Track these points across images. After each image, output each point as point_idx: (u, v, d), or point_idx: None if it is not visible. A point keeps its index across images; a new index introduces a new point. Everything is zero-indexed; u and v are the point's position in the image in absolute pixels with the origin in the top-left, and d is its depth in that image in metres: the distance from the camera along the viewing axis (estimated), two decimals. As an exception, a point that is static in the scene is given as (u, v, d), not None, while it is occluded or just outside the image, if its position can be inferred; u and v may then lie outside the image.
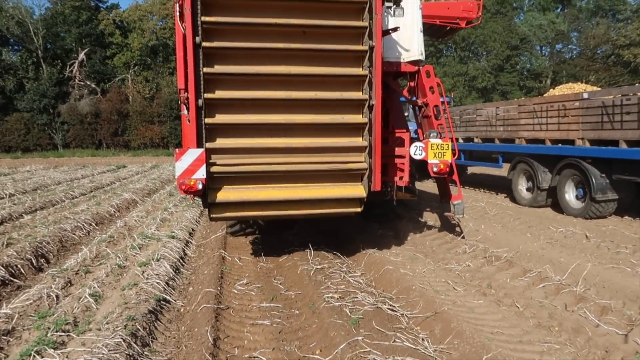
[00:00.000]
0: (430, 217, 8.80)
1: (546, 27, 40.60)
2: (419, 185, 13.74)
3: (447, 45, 42.24)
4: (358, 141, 5.39)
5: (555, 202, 9.48)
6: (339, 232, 7.84)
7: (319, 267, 5.77)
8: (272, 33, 5.06)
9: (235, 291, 5.21)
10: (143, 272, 5.51)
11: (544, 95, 11.41)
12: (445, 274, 5.65)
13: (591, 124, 8.55)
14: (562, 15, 42.83)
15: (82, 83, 38.18)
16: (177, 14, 5.06)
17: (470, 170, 17.29)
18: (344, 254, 6.64)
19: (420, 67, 6.97)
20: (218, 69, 5.03)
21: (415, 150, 6.37)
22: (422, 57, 6.94)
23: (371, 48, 5.11)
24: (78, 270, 5.79)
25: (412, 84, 7.14)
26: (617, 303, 4.54)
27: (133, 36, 40.09)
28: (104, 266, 5.86)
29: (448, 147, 6.42)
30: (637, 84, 10.74)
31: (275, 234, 7.68)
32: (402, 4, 6.35)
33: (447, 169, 6.46)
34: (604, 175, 8.39)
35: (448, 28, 11.63)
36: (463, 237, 7.20)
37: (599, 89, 9.61)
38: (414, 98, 7.32)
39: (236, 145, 5.22)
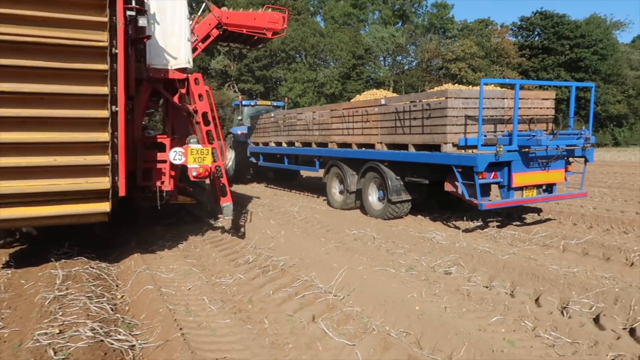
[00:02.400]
0: (230, 224, 8.35)
1: (387, 39, 43.80)
2: (244, 190, 13.45)
3: (298, 52, 43.17)
4: (102, 136, 5.07)
5: (362, 205, 9.75)
6: (120, 246, 6.99)
7: (62, 293, 4.89)
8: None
9: None
10: None
11: (351, 100, 11.81)
12: (211, 289, 5.19)
13: (387, 129, 8.91)
14: (401, 30, 46.63)
15: None
16: None
17: (306, 174, 17.51)
18: (114, 272, 5.87)
19: (189, 75, 6.96)
20: None
21: (175, 156, 6.15)
22: (190, 65, 6.96)
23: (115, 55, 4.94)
24: None
25: (182, 91, 7.02)
26: (365, 310, 4.49)
27: None
28: None
29: (208, 152, 6.30)
30: (423, 91, 11.65)
31: (41, 251, 6.54)
32: (169, 12, 6.46)
33: (207, 173, 6.41)
34: (398, 177, 8.78)
35: (256, 38, 11.68)
36: (241, 238, 7.39)
37: (397, 95, 10.15)
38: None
39: None
